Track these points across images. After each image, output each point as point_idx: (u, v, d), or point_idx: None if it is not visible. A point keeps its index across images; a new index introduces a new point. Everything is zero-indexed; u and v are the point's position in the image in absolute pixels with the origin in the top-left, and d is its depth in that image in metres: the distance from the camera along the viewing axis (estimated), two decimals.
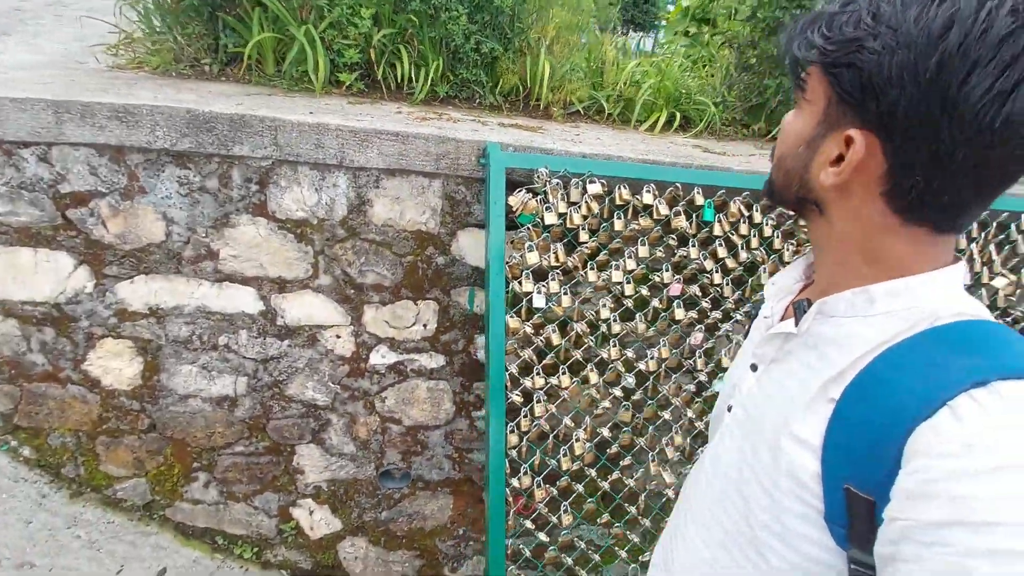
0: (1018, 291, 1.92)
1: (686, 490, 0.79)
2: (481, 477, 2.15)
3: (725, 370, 1.84)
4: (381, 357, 1.94)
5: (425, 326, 1.91)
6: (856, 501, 0.50)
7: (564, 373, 1.68)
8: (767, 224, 1.77)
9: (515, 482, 1.61)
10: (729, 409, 0.71)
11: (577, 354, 1.71)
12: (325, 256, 1.80)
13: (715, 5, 2.93)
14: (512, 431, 1.59)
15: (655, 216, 1.69)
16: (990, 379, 0.45)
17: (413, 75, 1.99)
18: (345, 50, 1.96)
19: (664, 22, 3.83)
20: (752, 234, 1.76)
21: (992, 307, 1.89)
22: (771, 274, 1.81)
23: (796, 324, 0.61)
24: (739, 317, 1.82)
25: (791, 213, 1.76)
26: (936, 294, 0.54)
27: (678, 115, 2.11)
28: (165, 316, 1.78)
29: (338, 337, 1.91)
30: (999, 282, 1.89)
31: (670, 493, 1.81)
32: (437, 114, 1.92)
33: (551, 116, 2.09)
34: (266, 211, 1.73)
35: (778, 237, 1.79)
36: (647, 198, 1.66)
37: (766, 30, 2.07)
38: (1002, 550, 0.40)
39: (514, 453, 1.60)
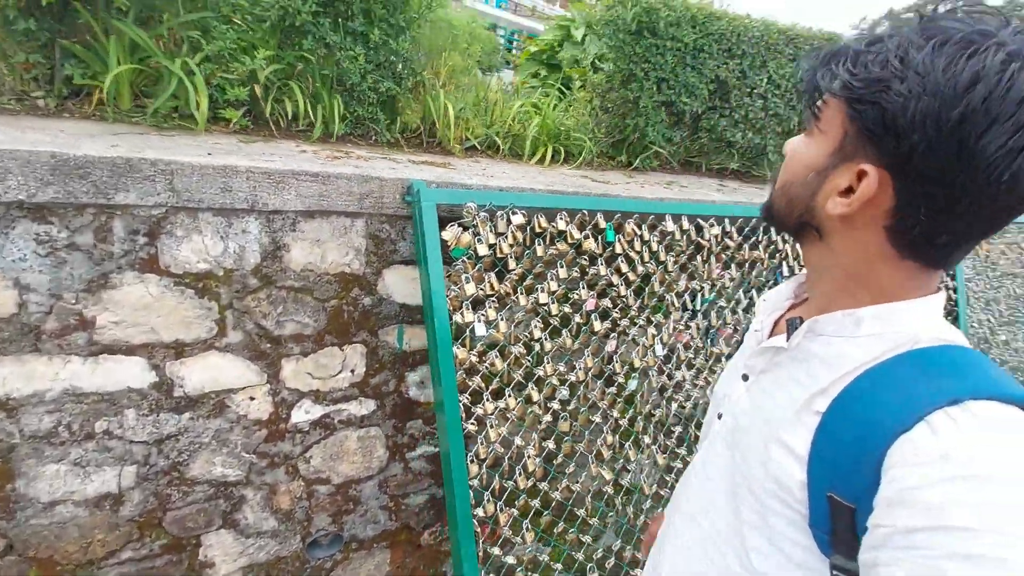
0: None
1: (677, 492, 0.82)
2: (418, 521, 2.07)
3: (637, 370, 2.09)
4: (305, 413, 1.78)
5: (353, 371, 1.81)
6: (839, 508, 0.53)
7: (510, 395, 1.75)
8: (653, 240, 2.07)
9: (479, 511, 1.62)
10: (719, 416, 0.73)
11: (518, 375, 1.79)
12: (234, 310, 1.61)
13: (558, 54, 3.33)
14: (472, 461, 1.60)
15: (569, 240, 1.86)
16: (963, 399, 0.48)
17: (311, 112, 1.90)
18: (228, 86, 1.80)
19: (511, 65, 4.21)
20: (643, 249, 2.04)
21: None
22: (661, 282, 2.12)
23: (787, 339, 0.64)
24: (641, 322, 2.09)
25: (671, 231, 2.09)
26: (918, 320, 0.57)
27: (562, 150, 2.36)
28: (18, 407, 1.41)
29: (252, 399, 1.70)
30: None
31: (609, 490, 1.97)
32: (343, 152, 1.87)
33: (450, 152, 2.17)
34: (158, 266, 1.50)
35: (662, 251, 2.10)
36: (561, 224, 1.83)
37: (621, 79, 2.45)
38: (975, 554, 0.42)
39: (475, 482, 1.61)
